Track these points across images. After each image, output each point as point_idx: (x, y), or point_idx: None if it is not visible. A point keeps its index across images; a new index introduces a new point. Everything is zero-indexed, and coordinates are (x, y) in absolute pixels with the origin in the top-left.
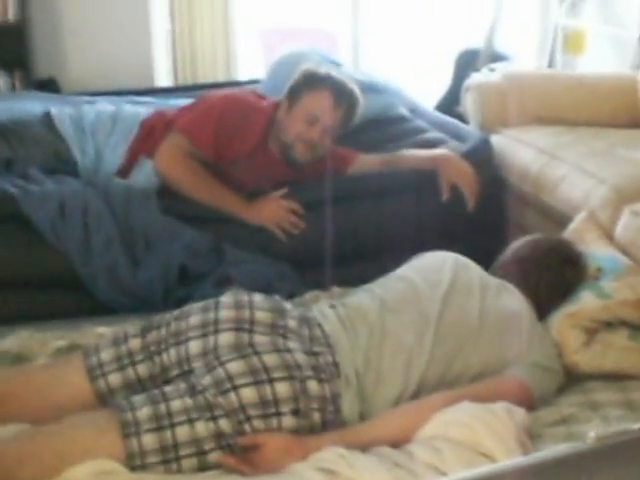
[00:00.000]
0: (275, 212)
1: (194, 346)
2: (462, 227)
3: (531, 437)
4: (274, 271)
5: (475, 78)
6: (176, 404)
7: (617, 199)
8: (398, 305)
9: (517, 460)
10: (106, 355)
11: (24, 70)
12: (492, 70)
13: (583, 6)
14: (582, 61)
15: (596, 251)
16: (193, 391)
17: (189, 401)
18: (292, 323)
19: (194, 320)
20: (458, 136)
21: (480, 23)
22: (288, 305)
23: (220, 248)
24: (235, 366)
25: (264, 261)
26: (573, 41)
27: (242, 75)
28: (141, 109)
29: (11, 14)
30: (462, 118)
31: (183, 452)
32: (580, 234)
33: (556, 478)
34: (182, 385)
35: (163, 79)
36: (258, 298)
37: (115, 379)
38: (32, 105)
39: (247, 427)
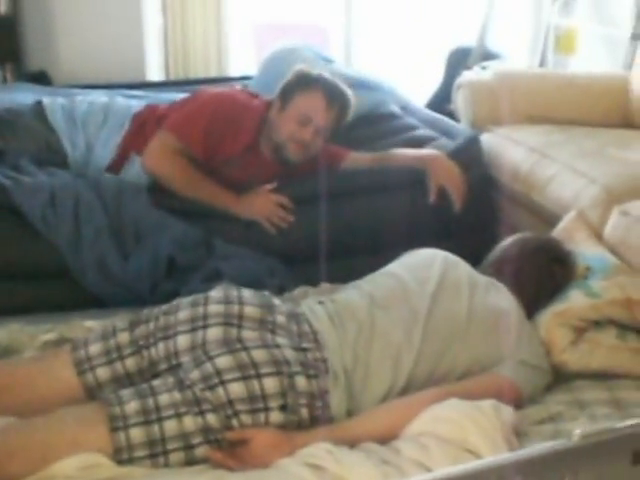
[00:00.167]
0: (265, 206)
1: (182, 340)
2: (451, 225)
3: (518, 435)
4: (264, 266)
5: (466, 76)
6: (164, 398)
7: (607, 199)
8: (387, 302)
9: (502, 457)
10: (94, 349)
11: (15, 63)
12: (484, 68)
13: (575, 5)
14: (574, 60)
15: (585, 250)
16: (181, 385)
17: (177, 395)
18: (281, 319)
19: (183, 315)
20: (448, 134)
21: (472, 21)
22: (277, 301)
23: (210, 242)
24: (223, 361)
25: (254, 256)
26: (565, 40)
27: (234, 71)
28: (133, 102)
29: (2, 6)
30: (453, 116)
31: (170, 446)
32: (569, 233)
33: (541, 474)
34: (170, 379)
35: (155, 73)
36: (247, 293)
37: (103, 373)
38: (24, 97)
39: (235, 422)
